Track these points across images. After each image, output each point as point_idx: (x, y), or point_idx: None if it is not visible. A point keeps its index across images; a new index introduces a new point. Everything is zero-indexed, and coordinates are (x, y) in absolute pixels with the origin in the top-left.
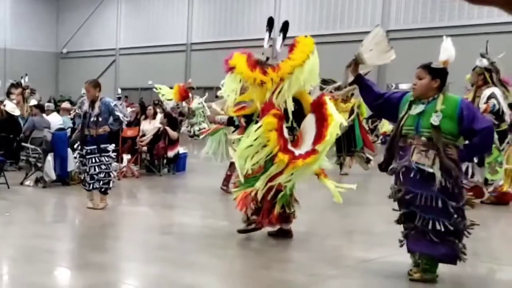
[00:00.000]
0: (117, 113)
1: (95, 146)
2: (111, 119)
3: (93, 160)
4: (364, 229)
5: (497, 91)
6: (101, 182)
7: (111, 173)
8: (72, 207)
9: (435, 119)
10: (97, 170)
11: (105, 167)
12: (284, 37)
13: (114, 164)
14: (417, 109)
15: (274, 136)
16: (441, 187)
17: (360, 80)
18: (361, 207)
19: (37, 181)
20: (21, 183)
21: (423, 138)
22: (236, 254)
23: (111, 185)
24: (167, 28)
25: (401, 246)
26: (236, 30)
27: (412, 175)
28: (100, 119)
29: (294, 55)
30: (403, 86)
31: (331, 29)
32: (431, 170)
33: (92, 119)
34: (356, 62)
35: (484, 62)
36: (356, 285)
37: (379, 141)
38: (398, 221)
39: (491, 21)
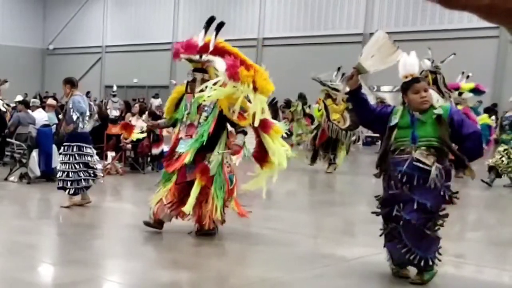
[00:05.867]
0: (72, 115)
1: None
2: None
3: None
4: (347, 228)
5: (434, 94)
6: (60, 180)
7: (69, 174)
8: (56, 204)
9: (439, 110)
10: (58, 167)
11: (63, 166)
12: (216, 36)
13: (98, 164)
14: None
15: None
16: (434, 187)
17: (358, 93)
18: (345, 207)
19: (21, 177)
20: (6, 179)
21: (423, 148)
22: (218, 252)
23: (69, 185)
24: (153, 27)
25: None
26: (222, 30)
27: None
28: (66, 116)
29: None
30: (385, 89)
31: (315, 30)
32: (428, 168)
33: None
34: (358, 72)
35: (427, 64)
36: (339, 284)
37: (361, 142)
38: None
39: (471, 25)
